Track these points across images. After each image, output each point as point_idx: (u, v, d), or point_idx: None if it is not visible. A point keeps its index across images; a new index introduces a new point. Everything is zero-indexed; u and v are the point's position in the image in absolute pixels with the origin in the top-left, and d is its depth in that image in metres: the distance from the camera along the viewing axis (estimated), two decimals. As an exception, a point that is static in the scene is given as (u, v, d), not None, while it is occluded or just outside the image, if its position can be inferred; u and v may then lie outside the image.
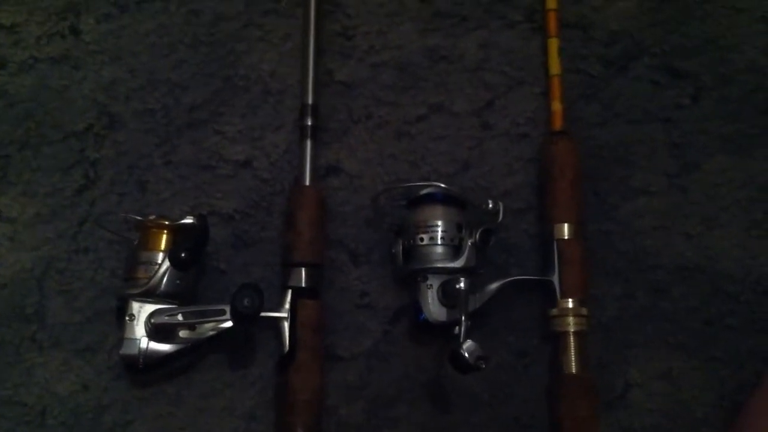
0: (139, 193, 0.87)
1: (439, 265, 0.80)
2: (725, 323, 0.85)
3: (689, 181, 0.88)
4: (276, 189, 0.87)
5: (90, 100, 0.89)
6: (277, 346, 0.81)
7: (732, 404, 0.82)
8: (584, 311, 0.81)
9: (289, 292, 0.81)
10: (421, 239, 0.81)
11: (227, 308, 0.77)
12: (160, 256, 0.79)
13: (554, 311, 0.81)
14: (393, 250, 0.84)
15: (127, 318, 0.79)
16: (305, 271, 0.81)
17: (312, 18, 0.87)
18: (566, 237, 0.82)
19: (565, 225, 0.82)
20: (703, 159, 0.88)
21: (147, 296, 0.79)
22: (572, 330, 0.81)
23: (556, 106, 0.87)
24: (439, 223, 0.81)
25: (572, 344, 0.80)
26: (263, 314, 0.77)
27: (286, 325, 0.80)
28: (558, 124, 0.86)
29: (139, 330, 0.79)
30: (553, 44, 0.88)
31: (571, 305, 0.81)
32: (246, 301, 0.75)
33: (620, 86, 0.90)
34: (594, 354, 0.83)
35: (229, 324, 0.78)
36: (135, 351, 0.79)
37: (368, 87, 0.90)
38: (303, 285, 0.81)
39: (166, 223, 0.81)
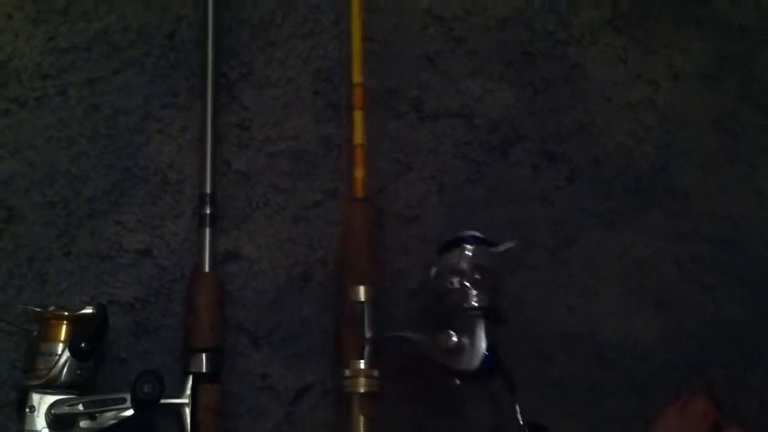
0: (38, 285, 0.87)
1: None
2: (607, 388, 0.90)
3: (568, 255, 0.94)
4: (176, 276, 0.89)
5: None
6: (179, 432, 0.82)
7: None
8: (375, 372, 0.81)
9: (190, 377, 0.82)
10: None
11: (128, 396, 0.78)
12: (60, 346, 0.80)
13: (346, 372, 0.81)
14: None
15: (27, 410, 0.79)
16: (205, 356, 0.83)
17: (209, 110, 0.91)
18: (362, 299, 0.83)
19: (362, 288, 0.83)
20: (580, 235, 0.95)
21: (47, 387, 0.79)
22: (362, 391, 0.80)
23: (359, 173, 0.88)
24: None
25: (357, 406, 0.80)
26: (164, 401, 0.78)
27: (188, 410, 0.81)
28: (360, 191, 0.88)
29: (40, 422, 0.79)
30: (359, 116, 0.89)
31: (361, 366, 0.81)
32: (146, 388, 0.76)
33: (502, 170, 0.96)
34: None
35: (130, 412, 0.79)
36: (36, 443, 0.78)
37: (265, 175, 0.94)
38: (204, 370, 0.83)
39: (65, 313, 0.81)
